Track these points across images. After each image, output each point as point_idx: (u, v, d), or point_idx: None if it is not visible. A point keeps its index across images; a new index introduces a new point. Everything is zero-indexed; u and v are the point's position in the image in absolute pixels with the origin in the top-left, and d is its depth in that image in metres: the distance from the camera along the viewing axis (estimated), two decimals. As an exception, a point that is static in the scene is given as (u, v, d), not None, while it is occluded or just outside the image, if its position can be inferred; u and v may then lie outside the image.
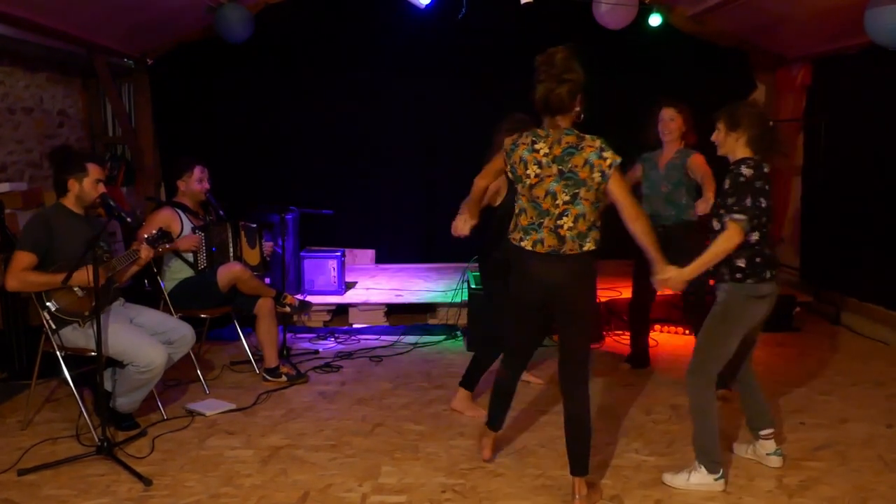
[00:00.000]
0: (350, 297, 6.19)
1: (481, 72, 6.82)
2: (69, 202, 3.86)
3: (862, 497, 3.27)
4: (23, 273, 3.66)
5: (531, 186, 3.11)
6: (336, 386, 4.76)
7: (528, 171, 3.11)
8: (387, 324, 6.09)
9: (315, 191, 6.85)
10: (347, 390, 4.67)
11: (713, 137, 3.41)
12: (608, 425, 4.06)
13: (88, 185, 3.82)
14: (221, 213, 4.94)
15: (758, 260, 3.23)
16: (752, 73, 7.06)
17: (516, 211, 3.21)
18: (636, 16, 6.17)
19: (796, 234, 6.97)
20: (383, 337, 5.86)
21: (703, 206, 4.17)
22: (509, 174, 3.21)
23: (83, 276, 3.57)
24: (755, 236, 3.22)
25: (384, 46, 6.76)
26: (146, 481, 3.35)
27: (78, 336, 3.80)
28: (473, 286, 5.52)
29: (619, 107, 6.03)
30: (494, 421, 3.60)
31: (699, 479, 3.31)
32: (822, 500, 3.25)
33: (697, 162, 4.46)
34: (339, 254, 6.29)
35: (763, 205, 3.19)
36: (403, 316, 6.18)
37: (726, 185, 3.28)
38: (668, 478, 3.37)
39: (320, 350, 5.53)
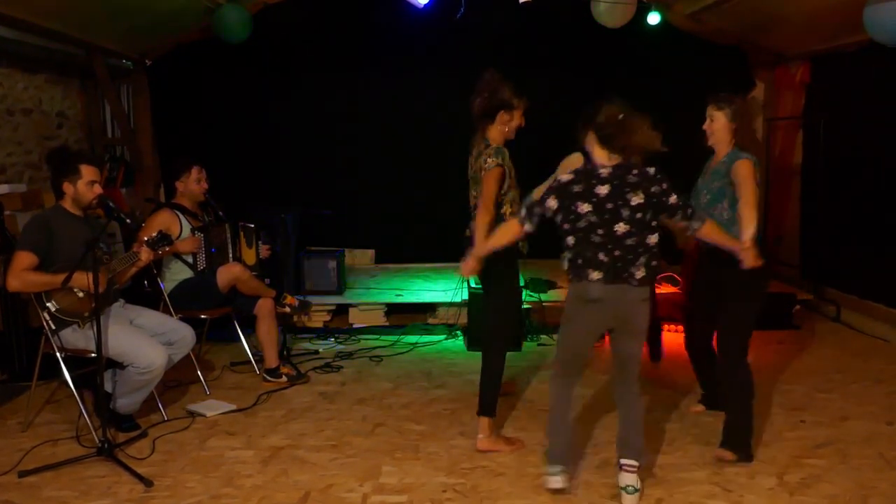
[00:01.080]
0: (350, 297, 6.19)
1: (480, 71, 6.81)
2: (67, 204, 3.86)
3: (863, 495, 3.27)
4: (24, 273, 3.66)
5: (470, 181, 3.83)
6: (336, 386, 4.76)
7: (469, 171, 3.81)
8: (387, 324, 6.09)
9: (315, 191, 6.85)
10: (347, 390, 4.67)
11: None
12: (609, 424, 4.05)
13: (83, 187, 3.81)
14: (221, 213, 4.93)
15: (579, 261, 3.12)
16: (751, 71, 7.06)
17: None
18: (635, 14, 6.17)
19: (796, 232, 6.97)
20: (383, 337, 5.86)
21: (745, 245, 3.35)
22: None
23: (83, 278, 3.57)
24: (570, 240, 3.12)
25: (383, 46, 6.76)
26: (147, 482, 3.35)
27: (78, 337, 3.80)
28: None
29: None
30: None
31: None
32: (823, 498, 3.25)
33: (737, 169, 3.57)
34: (338, 254, 6.29)
35: (579, 210, 3.05)
36: (403, 316, 6.18)
37: None
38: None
39: (320, 350, 5.53)
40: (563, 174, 3.20)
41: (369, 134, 7.14)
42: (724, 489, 3.32)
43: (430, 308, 6.16)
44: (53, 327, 3.77)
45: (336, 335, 5.90)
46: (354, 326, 6.08)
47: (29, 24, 4.91)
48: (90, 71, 6.24)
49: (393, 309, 6.15)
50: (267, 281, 5.41)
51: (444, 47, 6.59)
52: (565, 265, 3.17)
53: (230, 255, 4.84)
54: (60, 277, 3.58)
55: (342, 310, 6.14)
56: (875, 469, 3.51)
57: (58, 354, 3.79)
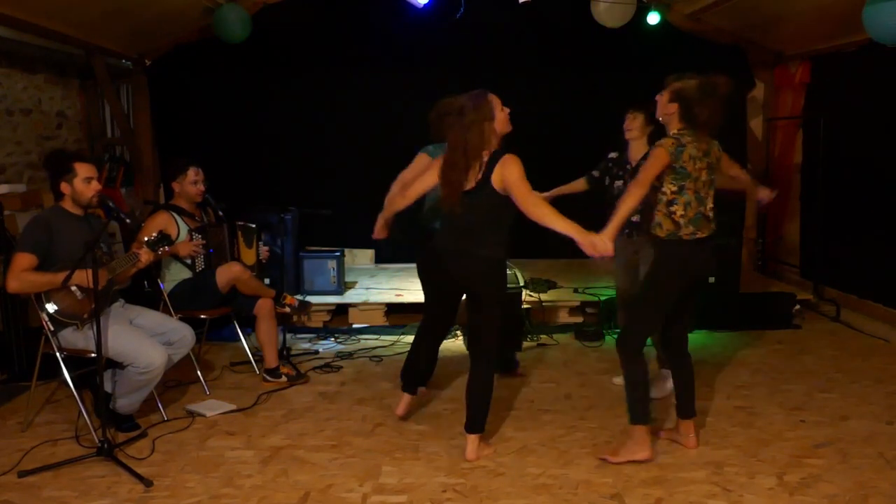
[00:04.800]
0: (350, 297, 6.19)
1: (480, 71, 6.81)
2: (67, 204, 3.86)
3: (863, 494, 3.27)
4: (23, 274, 3.66)
5: None
6: (336, 386, 4.75)
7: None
8: (387, 324, 6.09)
9: (315, 190, 6.84)
10: (347, 390, 4.67)
11: None
12: (607, 423, 4.05)
13: (79, 184, 3.82)
14: (220, 213, 4.93)
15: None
16: (751, 71, 7.06)
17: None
18: (634, 14, 6.17)
19: (796, 232, 6.97)
20: (383, 337, 5.86)
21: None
22: None
23: (83, 276, 3.57)
24: None
25: (382, 46, 6.75)
26: (147, 482, 3.35)
27: (77, 337, 3.80)
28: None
29: (617, 105, 6.02)
30: None
31: None
32: (823, 498, 3.25)
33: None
34: (338, 254, 6.28)
35: None
36: (403, 316, 6.18)
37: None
38: None
39: (320, 350, 5.53)
40: None
41: (369, 133, 7.12)
42: (724, 489, 3.32)
43: (429, 308, 6.15)
44: (52, 328, 3.77)
45: (336, 335, 5.90)
46: (354, 326, 6.08)
47: (29, 24, 4.90)
48: (90, 71, 6.24)
49: (393, 309, 6.14)
50: (267, 281, 5.41)
51: (444, 47, 6.59)
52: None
53: (228, 256, 4.84)
54: (61, 276, 3.58)
55: (342, 310, 6.14)
56: (875, 469, 3.50)
57: (57, 354, 3.79)
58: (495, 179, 3.42)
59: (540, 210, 3.37)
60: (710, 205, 3.53)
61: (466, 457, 3.60)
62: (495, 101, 3.53)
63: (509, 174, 3.39)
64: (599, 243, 3.30)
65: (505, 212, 3.47)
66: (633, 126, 4.48)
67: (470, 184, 3.48)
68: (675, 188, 3.45)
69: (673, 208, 3.46)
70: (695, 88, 3.48)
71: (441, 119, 3.86)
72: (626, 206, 3.39)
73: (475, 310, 3.63)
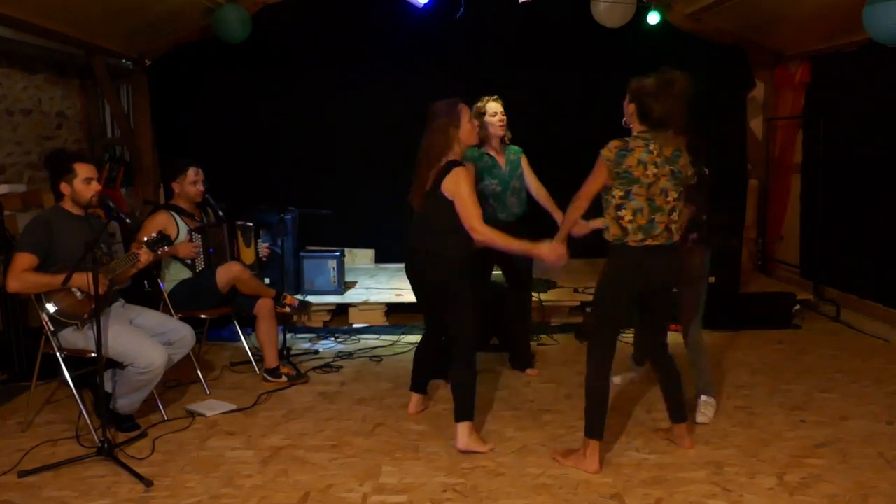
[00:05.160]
0: (350, 296, 6.19)
1: (480, 71, 6.83)
2: (67, 205, 3.86)
3: (863, 494, 3.27)
4: (23, 274, 3.66)
5: None
6: (336, 386, 4.75)
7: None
8: (387, 324, 6.09)
9: (315, 191, 6.84)
10: (347, 390, 4.67)
11: None
12: (609, 423, 4.04)
13: (79, 184, 3.82)
14: (220, 213, 4.93)
15: None
16: (751, 71, 7.06)
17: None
18: (634, 14, 6.17)
19: (796, 232, 6.97)
20: (383, 337, 5.86)
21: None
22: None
23: (83, 279, 3.57)
24: None
25: (382, 46, 6.75)
26: (147, 482, 3.35)
27: (78, 337, 3.80)
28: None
29: (617, 106, 6.03)
30: None
31: None
32: (823, 498, 3.25)
33: None
34: (338, 254, 6.28)
35: None
36: (403, 316, 6.18)
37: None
38: None
39: (320, 350, 5.53)
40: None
41: (369, 133, 7.11)
42: (724, 489, 3.32)
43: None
44: (52, 328, 3.77)
45: (336, 335, 5.90)
46: (354, 326, 6.08)
47: (29, 24, 4.91)
48: (90, 71, 6.24)
49: (393, 309, 6.14)
50: (267, 281, 5.41)
51: (444, 47, 6.58)
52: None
53: (228, 256, 4.84)
54: (60, 278, 3.58)
55: (342, 310, 6.14)
56: (875, 469, 3.51)
57: (58, 354, 3.79)
58: (445, 187, 3.54)
59: (484, 230, 3.50)
60: (674, 215, 3.37)
61: (457, 446, 3.65)
62: (465, 111, 3.67)
63: (456, 189, 3.51)
64: (557, 248, 3.46)
65: (458, 215, 3.56)
66: None
67: (429, 185, 3.61)
68: (622, 193, 3.33)
69: (621, 213, 3.34)
70: (651, 85, 3.46)
71: None
72: (569, 217, 3.47)
73: (445, 310, 3.68)
